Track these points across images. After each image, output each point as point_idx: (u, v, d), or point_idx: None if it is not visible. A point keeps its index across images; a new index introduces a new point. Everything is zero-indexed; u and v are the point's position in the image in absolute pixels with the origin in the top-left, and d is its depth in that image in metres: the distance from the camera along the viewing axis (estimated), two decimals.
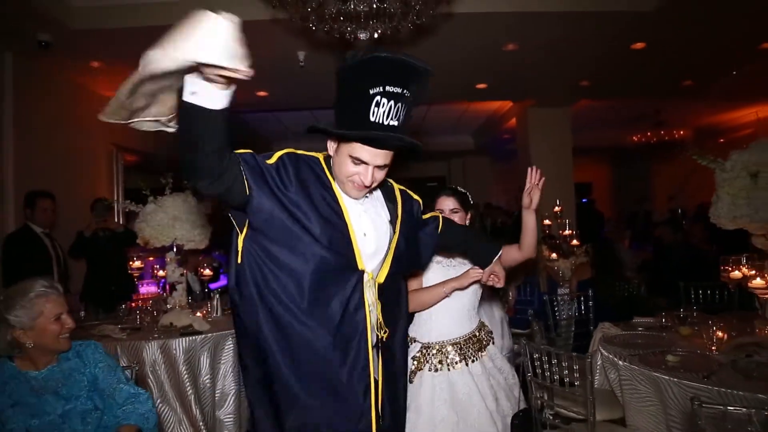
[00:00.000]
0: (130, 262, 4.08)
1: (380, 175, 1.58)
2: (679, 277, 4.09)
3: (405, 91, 1.45)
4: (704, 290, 3.91)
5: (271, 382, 1.55)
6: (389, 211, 1.76)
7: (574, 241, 5.21)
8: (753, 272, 2.54)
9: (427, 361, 2.30)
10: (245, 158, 1.47)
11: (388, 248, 1.71)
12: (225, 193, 1.42)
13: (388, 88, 1.41)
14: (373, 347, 1.63)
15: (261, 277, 1.53)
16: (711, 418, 1.60)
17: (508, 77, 6.02)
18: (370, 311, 1.62)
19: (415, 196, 1.94)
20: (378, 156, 1.51)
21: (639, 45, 5.11)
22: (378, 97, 1.42)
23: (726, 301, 3.70)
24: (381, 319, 1.68)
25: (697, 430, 1.62)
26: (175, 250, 4.22)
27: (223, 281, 5.39)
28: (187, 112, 1.26)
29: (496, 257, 2.04)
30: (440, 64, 4.75)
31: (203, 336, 3.30)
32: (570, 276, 4.85)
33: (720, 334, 2.55)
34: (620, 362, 2.47)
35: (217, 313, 3.98)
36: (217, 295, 4.19)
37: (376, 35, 2.82)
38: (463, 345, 2.36)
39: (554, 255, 4.99)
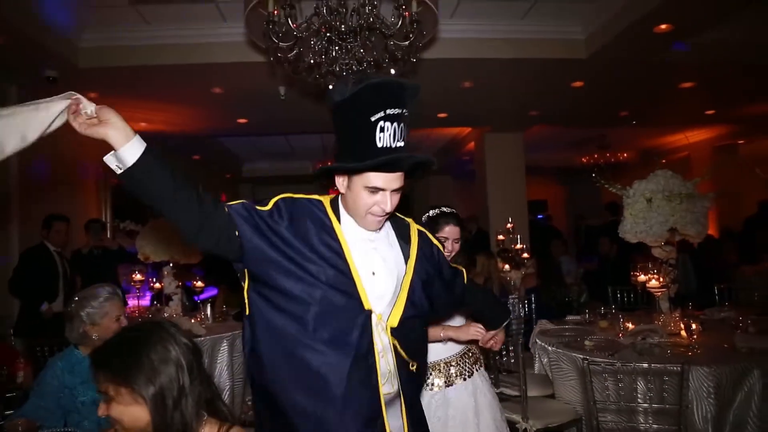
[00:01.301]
0: (132, 275, 4.57)
1: (396, 198, 1.54)
2: (616, 283, 4.83)
3: (404, 110, 1.46)
4: (627, 292, 4.66)
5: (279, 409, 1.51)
6: (401, 249, 1.69)
7: (525, 254, 5.91)
8: (649, 276, 3.24)
9: (426, 380, 2.33)
10: (235, 209, 1.46)
11: (400, 288, 1.63)
12: (214, 247, 1.42)
13: (389, 111, 1.41)
14: (385, 396, 1.54)
15: (265, 322, 1.51)
16: (596, 373, 2.27)
17: (465, 108, 6.73)
18: (380, 357, 1.53)
19: (435, 241, 1.85)
20: (393, 180, 1.49)
21: (578, 83, 5.89)
22: (381, 122, 1.41)
23: (643, 300, 4.46)
24: (399, 362, 1.59)
25: (587, 383, 2.28)
26: (171, 265, 4.74)
27: (208, 292, 5.87)
28: (125, 188, 1.33)
29: (504, 324, 2.08)
30: None
31: (201, 339, 3.82)
32: (519, 284, 5.53)
33: (626, 324, 3.27)
34: (549, 348, 3.14)
35: (209, 320, 4.50)
36: (209, 304, 4.71)
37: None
38: (461, 360, 2.42)
39: (507, 266, 5.67)
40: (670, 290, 3.31)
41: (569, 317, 3.92)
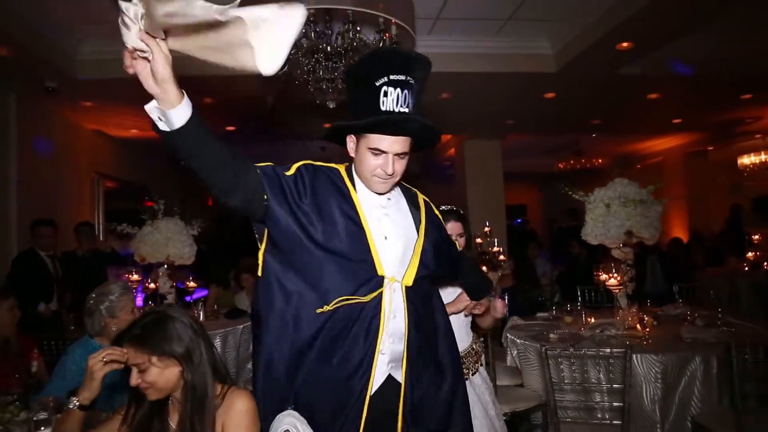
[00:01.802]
0: (128, 276, 4.80)
1: (400, 165, 1.59)
2: (585, 283, 5.17)
3: (408, 78, 1.50)
4: (594, 291, 5.00)
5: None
6: (413, 216, 1.76)
7: (502, 257, 6.24)
8: (609, 275, 3.57)
9: None
10: (265, 171, 1.50)
11: (413, 251, 1.70)
12: (245, 205, 1.45)
13: (392, 77, 1.48)
14: (394, 354, 1.61)
15: (278, 284, 1.55)
16: (553, 357, 2.58)
17: (445, 117, 7.06)
18: (386, 318, 1.58)
19: (437, 212, 1.93)
20: (395, 143, 1.54)
21: (550, 95, 6.25)
22: (384, 87, 1.48)
23: (608, 298, 4.81)
24: (407, 324, 1.63)
25: (545, 366, 2.59)
26: (165, 266, 4.97)
27: (199, 293, 6.11)
28: (164, 142, 1.29)
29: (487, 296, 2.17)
30: None
31: None
32: (496, 285, 5.86)
33: (588, 319, 3.61)
34: (518, 341, 3.45)
35: (202, 318, 4.75)
36: (201, 304, 4.97)
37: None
38: (464, 358, 2.46)
39: (484, 268, 6.00)
40: (627, 288, 3.64)
41: (539, 314, 4.24)
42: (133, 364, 1.54)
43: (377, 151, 1.54)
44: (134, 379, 1.54)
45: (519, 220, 11.63)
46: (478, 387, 2.46)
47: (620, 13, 4.31)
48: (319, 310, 1.50)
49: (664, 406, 2.86)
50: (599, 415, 2.75)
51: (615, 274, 3.53)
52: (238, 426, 1.53)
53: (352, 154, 1.63)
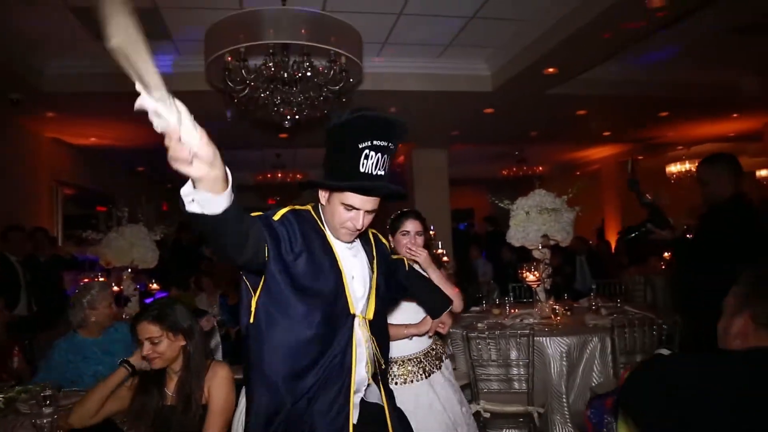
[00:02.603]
0: (95, 278, 5.09)
1: (369, 219, 1.70)
2: (515, 281, 5.77)
3: (389, 144, 1.59)
4: (523, 288, 5.60)
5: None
6: (366, 252, 1.88)
7: (445, 258, 6.79)
8: (528, 272, 4.14)
9: (391, 376, 2.47)
10: (264, 222, 1.58)
11: (371, 287, 1.82)
12: (253, 258, 1.52)
13: (375, 142, 1.56)
14: (356, 387, 1.72)
15: (267, 333, 1.63)
16: (472, 339, 3.11)
17: None
18: (357, 352, 1.71)
19: (384, 240, 2.04)
20: (368, 202, 1.65)
21: (489, 110, 6.85)
22: (367, 151, 1.55)
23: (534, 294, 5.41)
24: (378, 353, 1.81)
25: (466, 348, 3.12)
26: (130, 270, 5.28)
27: (158, 296, 6.39)
28: (194, 218, 1.26)
29: (447, 311, 2.22)
30: None
31: None
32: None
33: (512, 311, 4.17)
34: (450, 330, 3.97)
35: None
36: None
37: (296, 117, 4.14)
38: (423, 359, 2.59)
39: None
40: (545, 283, 4.22)
41: (472, 308, 4.79)
42: (148, 338, 1.97)
43: (350, 207, 1.64)
44: (147, 350, 1.96)
45: (462, 225, 12.25)
46: (439, 385, 2.57)
47: (546, 43, 4.89)
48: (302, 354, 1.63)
49: (569, 379, 3.43)
50: (516, 386, 3.29)
51: (534, 272, 4.11)
52: (220, 388, 1.98)
53: (323, 202, 1.73)
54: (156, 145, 5.87)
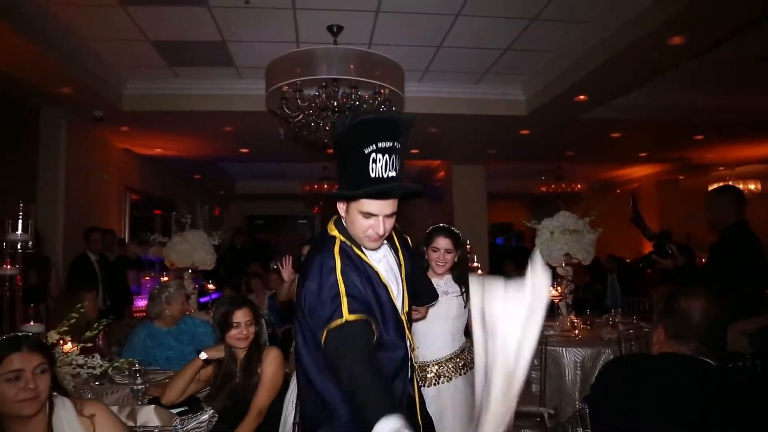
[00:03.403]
0: (161, 278, 5.71)
1: (390, 223, 1.69)
2: None
3: (395, 143, 1.57)
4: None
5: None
6: (392, 248, 1.90)
7: (479, 271, 7.15)
8: (551, 287, 4.49)
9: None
10: (355, 307, 1.57)
11: (403, 282, 1.86)
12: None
13: (380, 144, 1.54)
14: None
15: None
16: None
17: (433, 146, 7.97)
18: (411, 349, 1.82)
19: (402, 235, 2.03)
20: (385, 206, 1.63)
21: (525, 131, 7.19)
22: (373, 154, 1.54)
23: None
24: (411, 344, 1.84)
25: None
26: (190, 270, 5.87)
27: (213, 295, 6.98)
28: None
29: (429, 305, 2.26)
30: None
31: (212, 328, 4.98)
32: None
33: None
34: None
35: None
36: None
37: None
38: (444, 363, 2.65)
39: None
40: (567, 299, 4.55)
41: None
42: (247, 320, 2.51)
43: (368, 215, 1.64)
44: (244, 330, 2.48)
45: (500, 240, 12.54)
46: (461, 391, 2.62)
47: (576, 73, 5.23)
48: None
49: (582, 387, 3.77)
50: (533, 388, 3.67)
51: (556, 287, 4.46)
52: (270, 364, 2.47)
53: (343, 214, 1.74)
54: (210, 156, 6.64)
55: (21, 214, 2.53)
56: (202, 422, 2.14)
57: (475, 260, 7.18)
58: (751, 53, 5.21)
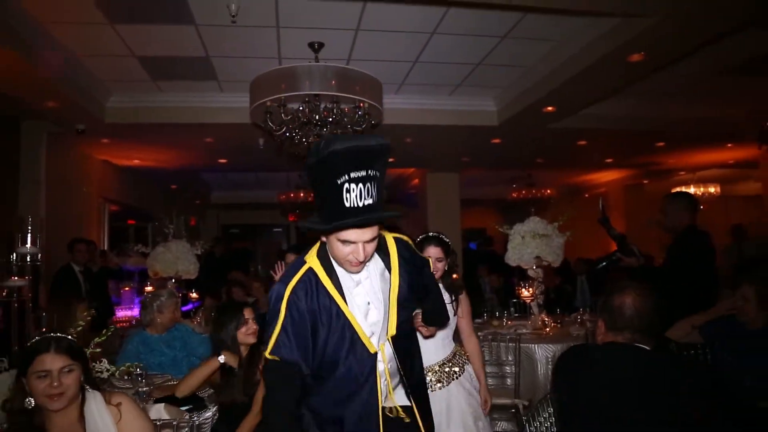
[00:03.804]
0: (146, 287, 5.80)
1: (371, 247, 1.68)
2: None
3: (369, 171, 1.53)
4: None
5: None
6: (385, 265, 1.85)
7: (455, 275, 7.40)
8: (523, 288, 4.76)
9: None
10: (285, 355, 1.71)
11: (390, 302, 1.81)
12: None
13: (353, 174, 1.50)
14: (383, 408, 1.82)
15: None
16: None
17: (408, 155, 8.21)
18: (381, 381, 1.81)
19: (405, 237, 1.98)
20: (364, 233, 1.62)
21: (496, 140, 7.50)
22: (346, 185, 1.51)
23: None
24: (401, 370, 1.86)
25: None
26: (173, 280, 5.98)
27: (192, 304, 7.07)
28: None
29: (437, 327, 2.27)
30: None
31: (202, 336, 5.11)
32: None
33: (509, 322, 4.79)
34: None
35: (203, 324, 5.77)
36: (200, 312, 5.98)
37: None
38: (438, 370, 2.68)
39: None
40: (538, 299, 4.83)
41: (476, 320, 5.40)
42: (253, 318, 2.69)
43: (347, 242, 1.64)
44: (253, 326, 2.67)
45: (473, 244, 12.86)
46: (453, 398, 2.66)
47: (544, 86, 5.54)
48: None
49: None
50: (508, 381, 3.92)
51: (528, 288, 4.73)
52: None
53: (324, 239, 1.76)
54: (189, 167, 6.82)
55: (30, 228, 2.66)
56: (206, 418, 2.32)
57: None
58: (710, 67, 5.58)
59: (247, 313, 2.73)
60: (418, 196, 10.69)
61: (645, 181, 12.38)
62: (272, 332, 1.71)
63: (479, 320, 5.41)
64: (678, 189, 11.37)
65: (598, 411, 1.77)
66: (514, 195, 12.92)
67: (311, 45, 4.75)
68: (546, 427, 2.16)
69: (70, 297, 4.23)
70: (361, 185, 1.53)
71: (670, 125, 7.24)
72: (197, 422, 2.22)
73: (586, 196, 14.41)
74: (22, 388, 1.78)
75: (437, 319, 2.14)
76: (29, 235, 2.67)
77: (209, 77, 5.59)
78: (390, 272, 1.84)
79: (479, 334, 4.47)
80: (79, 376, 1.83)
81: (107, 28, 4.38)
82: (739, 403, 1.70)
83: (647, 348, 1.84)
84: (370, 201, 1.55)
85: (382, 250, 1.86)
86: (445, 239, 2.82)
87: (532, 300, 4.80)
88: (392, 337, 1.81)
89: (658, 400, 1.69)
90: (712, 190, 10.90)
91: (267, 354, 1.72)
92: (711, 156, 9.69)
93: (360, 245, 1.64)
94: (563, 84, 5.20)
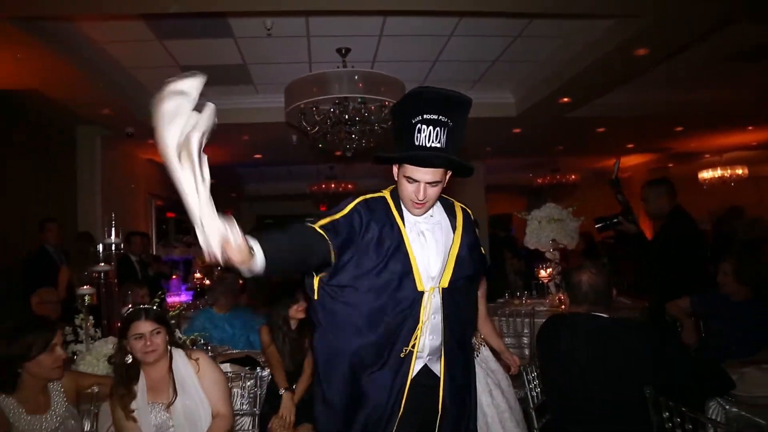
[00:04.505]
0: (194, 275, 6.37)
1: (432, 191, 1.75)
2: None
3: (441, 117, 1.64)
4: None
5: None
6: (451, 224, 1.93)
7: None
8: (542, 269, 5.14)
9: None
10: (324, 228, 1.70)
11: (449, 256, 1.87)
12: (322, 261, 1.72)
13: (426, 116, 1.64)
14: (419, 357, 1.82)
15: (330, 310, 1.81)
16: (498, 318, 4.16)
17: None
18: (424, 327, 1.80)
19: (470, 213, 2.07)
20: (426, 174, 1.70)
21: (517, 130, 7.83)
22: (419, 125, 1.64)
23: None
24: (443, 327, 1.84)
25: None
26: (219, 267, 6.52)
27: None
28: (255, 278, 1.52)
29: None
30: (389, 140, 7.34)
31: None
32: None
33: (528, 301, 5.18)
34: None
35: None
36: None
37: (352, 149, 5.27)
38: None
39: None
40: (555, 279, 5.20)
41: (498, 300, 5.81)
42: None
43: (411, 180, 1.73)
44: (303, 304, 3.06)
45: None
46: (483, 363, 2.89)
47: (558, 79, 5.86)
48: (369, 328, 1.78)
49: None
50: (526, 352, 4.33)
51: (545, 269, 5.11)
52: None
53: (396, 179, 1.85)
54: (225, 162, 7.49)
55: (114, 222, 3.19)
56: (266, 375, 2.81)
57: None
58: (716, 53, 5.78)
59: (298, 293, 3.14)
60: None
61: (670, 165, 12.46)
62: (326, 216, 1.76)
63: (501, 300, 5.82)
64: (708, 170, 11.50)
65: (565, 367, 2.19)
66: (539, 181, 13.18)
67: (339, 50, 5.17)
68: (535, 384, 2.59)
69: (131, 282, 4.74)
70: (431, 128, 1.65)
71: (685, 110, 7.44)
72: (260, 375, 2.69)
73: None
74: (124, 347, 2.29)
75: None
76: (113, 228, 3.17)
77: (246, 82, 6.07)
78: (454, 231, 1.92)
79: (502, 311, 4.90)
80: (165, 338, 2.32)
81: (156, 43, 4.89)
82: (685, 361, 2.09)
83: (604, 316, 2.23)
84: (438, 144, 1.67)
85: (450, 212, 1.97)
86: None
87: (549, 280, 5.17)
88: (443, 290, 1.84)
89: (609, 356, 2.11)
90: (739, 171, 10.93)
91: (315, 225, 1.71)
92: (733, 139, 9.79)
93: (422, 185, 1.72)
94: (573, 78, 5.52)
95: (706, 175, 11.18)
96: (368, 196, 1.86)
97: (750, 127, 8.90)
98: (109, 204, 7.03)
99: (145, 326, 2.27)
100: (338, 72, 4.69)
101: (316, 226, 1.70)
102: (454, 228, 1.92)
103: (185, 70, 5.14)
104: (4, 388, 2.14)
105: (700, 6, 3.98)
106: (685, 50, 5.25)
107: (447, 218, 1.93)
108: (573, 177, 13.14)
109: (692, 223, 3.90)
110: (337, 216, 1.76)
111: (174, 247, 9.03)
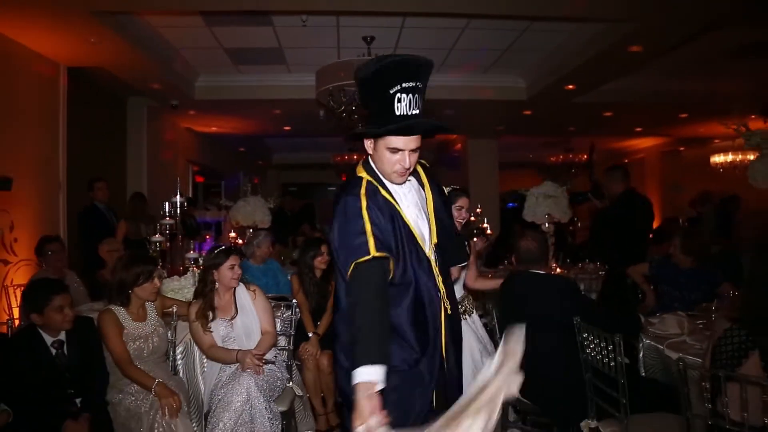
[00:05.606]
0: (229, 234, 7.14)
1: (414, 157, 1.79)
2: None
3: (417, 83, 1.69)
4: None
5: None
6: (417, 179, 1.98)
7: (489, 231, 8.46)
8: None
9: None
10: (381, 249, 1.71)
11: (428, 211, 1.94)
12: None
13: (404, 84, 1.66)
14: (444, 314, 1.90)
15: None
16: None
17: (449, 123, 9.11)
18: (439, 281, 1.90)
19: (429, 169, 2.09)
20: (410, 141, 1.74)
21: (527, 112, 8.39)
22: (398, 94, 1.66)
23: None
24: (438, 272, 1.93)
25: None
26: (251, 230, 7.29)
27: None
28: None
29: (461, 264, 2.41)
30: None
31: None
32: (479, 248, 8.12)
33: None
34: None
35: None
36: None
37: None
38: (461, 303, 3.06)
39: (476, 239, 8.23)
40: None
41: (498, 266, 6.50)
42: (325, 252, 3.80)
43: (395, 150, 1.74)
44: (326, 257, 3.79)
45: (511, 204, 13.80)
46: (472, 324, 3.18)
47: (563, 67, 6.42)
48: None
49: None
50: None
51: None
52: None
53: (370, 152, 1.84)
54: (256, 133, 8.48)
55: (179, 182, 3.97)
56: (295, 309, 3.58)
57: (485, 221, 8.44)
58: (720, 48, 6.25)
59: (323, 249, 3.86)
60: (460, 160, 11.68)
61: (681, 148, 12.82)
62: (364, 233, 1.72)
63: (501, 266, 6.52)
64: (719, 154, 11.82)
65: (515, 315, 2.86)
66: (553, 159, 13.68)
67: (364, 38, 5.81)
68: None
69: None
70: (410, 96, 1.68)
71: (688, 98, 7.92)
72: (294, 306, 3.46)
73: (626, 161, 14.90)
74: (212, 279, 3.02)
75: (456, 257, 2.20)
76: (178, 189, 3.96)
77: (280, 62, 6.75)
78: (423, 188, 2.00)
79: (492, 273, 5.60)
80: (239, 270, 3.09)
81: (205, 30, 5.58)
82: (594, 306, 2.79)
83: (541, 272, 2.92)
84: (416, 111, 1.71)
85: (415, 174, 1.99)
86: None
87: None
88: (435, 245, 1.94)
89: (545, 303, 2.79)
90: (751, 157, 11.18)
91: (373, 252, 1.68)
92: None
93: (406, 153, 1.75)
94: (576, 68, 6.09)
95: (717, 159, 11.52)
96: (362, 191, 1.81)
97: (752, 117, 9.27)
98: (154, 168, 7.84)
99: (234, 259, 3.03)
100: (364, 60, 5.34)
101: (375, 254, 1.69)
102: (422, 184, 2.00)
103: (228, 51, 5.90)
104: (119, 302, 2.91)
105: (685, 10, 4.52)
106: (677, 48, 5.77)
107: (414, 179, 1.99)
108: (585, 156, 13.61)
109: (639, 201, 4.64)
110: (370, 228, 1.73)
111: (207, 209, 9.83)
